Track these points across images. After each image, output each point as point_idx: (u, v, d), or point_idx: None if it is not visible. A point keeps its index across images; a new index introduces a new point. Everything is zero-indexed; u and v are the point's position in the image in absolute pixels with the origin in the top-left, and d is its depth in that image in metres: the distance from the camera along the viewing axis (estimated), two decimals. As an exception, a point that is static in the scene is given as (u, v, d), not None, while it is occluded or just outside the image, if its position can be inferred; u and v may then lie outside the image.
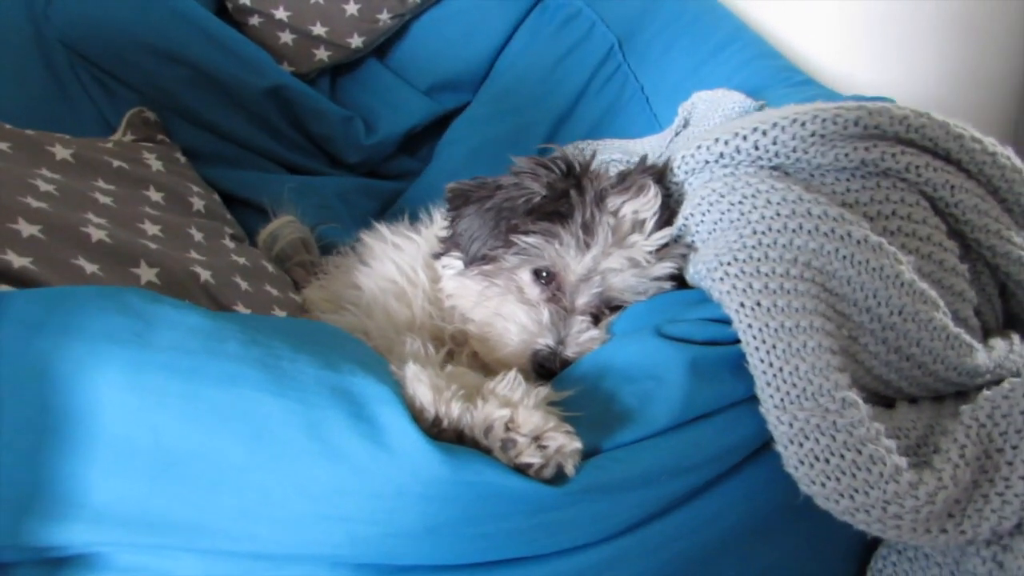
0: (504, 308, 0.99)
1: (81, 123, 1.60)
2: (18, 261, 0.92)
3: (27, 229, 0.97)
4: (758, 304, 0.84)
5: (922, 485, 0.80)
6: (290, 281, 1.42)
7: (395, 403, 0.71)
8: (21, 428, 0.67)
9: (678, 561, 0.87)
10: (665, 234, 0.99)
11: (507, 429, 0.74)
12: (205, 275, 1.15)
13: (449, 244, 1.07)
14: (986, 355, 0.91)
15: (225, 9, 1.84)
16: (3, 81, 1.54)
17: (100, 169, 1.27)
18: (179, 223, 1.27)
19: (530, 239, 0.97)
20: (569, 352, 0.96)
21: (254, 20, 1.82)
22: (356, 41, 1.88)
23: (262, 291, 1.27)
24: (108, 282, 1.00)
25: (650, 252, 0.99)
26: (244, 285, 1.23)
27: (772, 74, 1.57)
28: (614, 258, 0.98)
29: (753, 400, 0.85)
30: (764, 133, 0.96)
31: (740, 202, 0.93)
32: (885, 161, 0.93)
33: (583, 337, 0.97)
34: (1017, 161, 0.97)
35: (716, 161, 0.99)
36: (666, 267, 0.99)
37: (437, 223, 1.18)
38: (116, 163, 1.31)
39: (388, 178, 1.90)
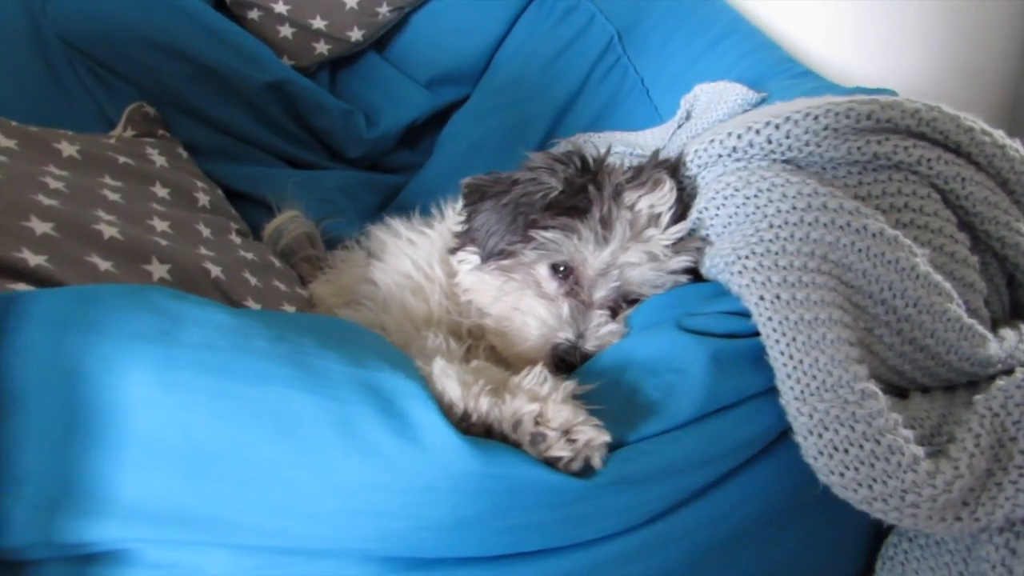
0: (523, 302, 1.00)
1: (80, 119, 1.59)
2: (33, 259, 0.92)
3: (40, 227, 0.97)
4: (777, 297, 0.85)
5: (939, 474, 0.81)
6: (296, 276, 1.42)
7: (425, 399, 0.72)
8: (51, 427, 0.67)
9: (697, 551, 0.88)
10: (681, 228, 1.00)
11: (536, 423, 0.74)
12: (216, 271, 1.15)
13: (465, 239, 1.07)
14: (998, 345, 0.92)
15: (224, 3, 1.83)
16: (0, 78, 1.53)
17: (106, 165, 1.26)
18: (186, 219, 1.27)
19: (549, 234, 0.98)
20: (589, 346, 0.97)
21: (253, 14, 1.81)
22: (356, 34, 1.87)
23: (271, 286, 1.27)
24: (121, 279, 1.00)
25: (667, 246, 0.99)
26: (253, 280, 1.23)
27: (771, 65, 1.57)
28: (632, 252, 0.99)
29: (771, 392, 0.86)
30: (777, 127, 0.96)
31: (755, 196, 0.93)
32: (897, 154, 0.94)
33: (602, 331, 0.97)
34: (1026, 153, 0.99)
35: (729, 155, 1.00)
36: (682, 261, 1.00)
37: (449, 218, 1.18)
38: (121, 159, 1.30)
39: (389, 172, 1.90)
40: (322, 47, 1.86)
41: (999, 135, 0.96)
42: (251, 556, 0.72)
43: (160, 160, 1.42)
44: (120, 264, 1.02)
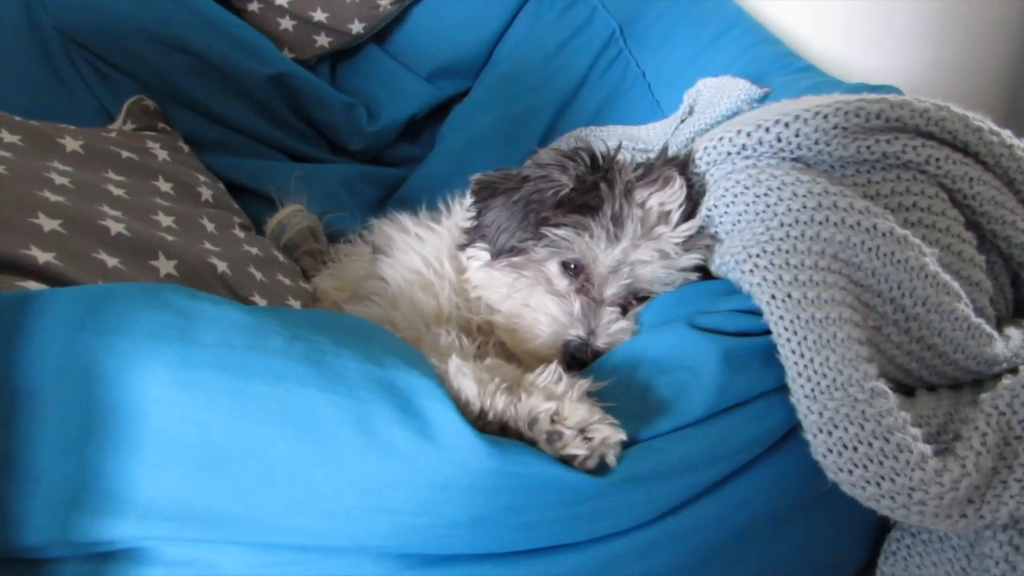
0: (533, 299, 1.00)
1: (79, 112, 1.58)
2: (42, 256, 0.91)
3: (48, 224, 0.96)
4: (789, 296, 0.86)
5: (947, 472, 0.82)
6: (299, 271, 1.42)
7: (442, 397, 0.72)
8: (68, 425, 0.67)
9: (706, 547, 0.89)
10: (691, 226, 1.00)
11: (553, 421, 0.75)
12: (222, 266, 1.15)
13: (475, 235, 1.07)
14: (1004, 344, 0.93)
15: (225, -5, 1.82)
16: (-2, 71, 1.52)
17: (110, 160, 1.25)
18: (190, 213, 1.26)
19: (561, 231, 0.98)
20: (600, 343, 0.97)
21: (254, 6, 1.80)
22: (357, 27, 1.87)
23: (276, 281, 1.27)
24: (129, 276, 1.00)
25: (677, 243, 1.00)
26: (259, 275, 1.23)
27: (773, 60, 1.57)
28: (643, 250, 0.99)
29: (781, 389, 0.87)
30: (787, 125, 0.97)
31: (765, 194, 0.94)
32: (906, 154, 0.94)
33: (613, 328, 0.98)
34: (1033, 154, 0.99)
35: (738, 152, 1.00)
36: (692, 258, 1.00)
37: (457, 213, 1.18)
38: (124, 154, 1.29)
39: (390, 165, 1.89)
40: (323, 40, 1.86)
41: (1007, 135, 0.97)
42: (267, 553, 0.72)
43: (162, 154, 1.41)
44: (127, 260, 1.01)
